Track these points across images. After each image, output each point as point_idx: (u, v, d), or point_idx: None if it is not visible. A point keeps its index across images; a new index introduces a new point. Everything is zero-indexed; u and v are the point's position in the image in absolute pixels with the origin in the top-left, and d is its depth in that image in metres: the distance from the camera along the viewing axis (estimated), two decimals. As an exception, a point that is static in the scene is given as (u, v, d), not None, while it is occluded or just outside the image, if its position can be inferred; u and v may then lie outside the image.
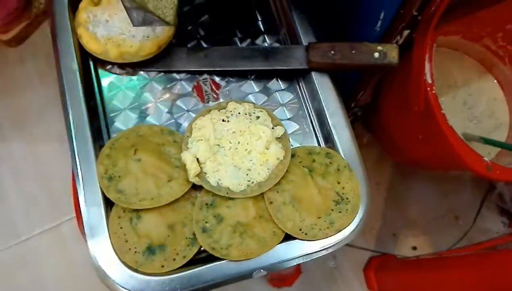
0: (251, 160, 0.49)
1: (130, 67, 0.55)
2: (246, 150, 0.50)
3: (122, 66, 0.55)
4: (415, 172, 1.07)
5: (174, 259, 0.47)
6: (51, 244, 0.97)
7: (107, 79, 0.55)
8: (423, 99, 0.62)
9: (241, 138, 0.50)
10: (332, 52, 0.52)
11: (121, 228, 0.47)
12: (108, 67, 0.55)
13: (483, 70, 0.88)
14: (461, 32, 0.84)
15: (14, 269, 0.94)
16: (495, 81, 0.86)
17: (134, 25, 0.49)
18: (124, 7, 0.46)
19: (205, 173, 0.49)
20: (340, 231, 0.48)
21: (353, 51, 0.52)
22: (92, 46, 0.53)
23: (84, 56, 0.54)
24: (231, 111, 0.52)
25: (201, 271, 0.46)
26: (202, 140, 0.50)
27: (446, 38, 0.85)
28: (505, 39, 0.80)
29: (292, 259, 0.47)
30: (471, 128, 0.84)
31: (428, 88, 0.62)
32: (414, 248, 1.02)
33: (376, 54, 0.52)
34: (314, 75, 0.54)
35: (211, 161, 0.49)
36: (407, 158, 0.89)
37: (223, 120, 0.51)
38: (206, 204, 0.49)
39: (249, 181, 0.49)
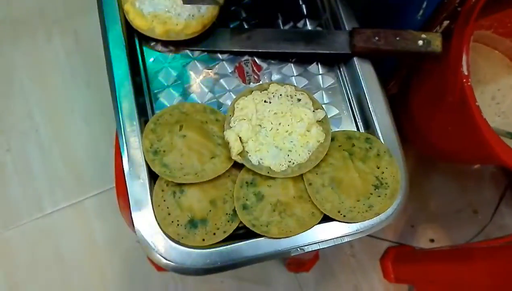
0: (291, 141, 0.50)
1: (174, 45, 0.56)
2: (287, 131, 0.50)
3: (166, 44, 0.56)
4: (435, 165, 1.07)
5: (214, 234, 0.48)
6: (74, 218, 0.99)
7: (151, 56, 0.56)
8: (459, 90, 0.63)
9: (282, 119, 0.51)
10: (377, 38, 0.53)
11: (164, 201, 0.48)
12: (153, 44, 0.56)
13: (512, 66, 0.87)
14: (493, 26, 0.84)
15: (37, 241, 0.97)
16: (525, 77, 0.86)
17: (184, 3, 0.50)
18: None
19: (247, 151, 0.50)
20: (378, 215, 0.48)
21: (397, 38, 0.52)
22: (138, 23, 0.54)
23: (130, 32, 0.54)
24: (273, 93, 0.53)
25: (241, 246, 0.47)
26: (244, 120, 0.50)
27: (478, 32, 0.85)
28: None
29: (330, 239, 0.48)
30: (498, 123, 0.84)
31: (464, 80, 0.62)
32: (432, 241, 1.03)
33: (420, 42, 0.52)
34: (356, 60, 0.54)
35: (253, 141, 0.50)
36: (434, 149, 0.89)
37: (264, 101, 0.52)
38: (247, 182, 0.50)
39: (289, 161, 0.50)
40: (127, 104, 0.50)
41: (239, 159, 0.49)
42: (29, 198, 0.99)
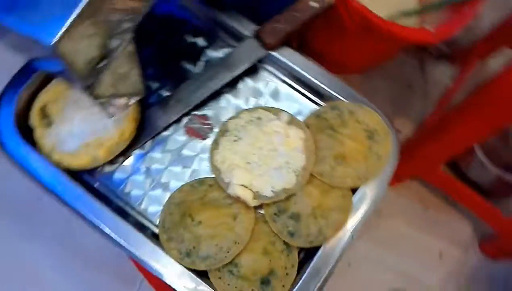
0: (282, 154, 0.51)
1: (121, 155, 0.53)
2: (271, 150, 0.52)
3: (112, 161, 0.53)
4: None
5: (287, 274, 0.49)
6: None
7: (108, 180, 0.53)
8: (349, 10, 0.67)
9: (260, 144, 0.52)
10: (279, 25, 0.55)
11: (228, 285, 0.48)
12: (98, 170, 0.53)
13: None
14: None
15: None
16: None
17: (110, 117, 0.47)
18: (99, 105, 0.45)
19: (257, 191, 0.50)
20: (389, 157, 0.52)
21: (295, 13, 0.55)
22: (76, 163, 0.51)
23: (74, 174, 0.51)
24: (234, 129, 0.53)
25: (315, 265, 0.48)
26: (234, 169, 0.51)
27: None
28: None
29: (370, 204, 0.51)
30: (390, 10, 0.91)
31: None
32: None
33: (314, 4, 0.55)
34: (274, 54, 0.56)
35: (254, 179, 0.50)
36: (350, 68, 0.95)
37: (234, 141, 0.52)
38: (275, 214, 0.51)
39: (294, 171, 0.51)
40: (127, 235, 0.48)
41: (256, 202, 0.50)
42: None
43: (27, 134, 0.51)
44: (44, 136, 0.51)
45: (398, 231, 1.13)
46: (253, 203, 0.49)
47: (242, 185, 0.50)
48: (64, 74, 0.40)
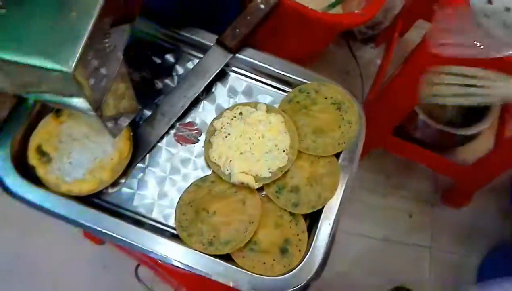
0: (269, 139, 0.58)
1: (123, 174, 0.57)
2: (259, 137, 0.58)
3: (116, 181, 0.57)
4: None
5: (300, 240, 0.55)
6: None
7: (117, 198, 0.56)
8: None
9: (248, 134, 0.58)
10: (237, 30, 0.61)
11: (252, 260, 0.53)
12: (106, 193, 0.56)
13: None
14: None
15: None
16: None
17: (115, 137, 0.51)
18: (105, 127, 0.48)
19: (256, 174, 0.56)
20: (358, 121, 0.60)
21: (248, 17, 0.62)
22: (86, 188, 0.54)
23: (85, 200, 0.54)
24: (221, 128, 0.59)
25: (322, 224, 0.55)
26: (231, 160, 0.56)
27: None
28: None
29: (354, 162, 0.59)
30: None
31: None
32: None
33: (262, 5, 0.62)
34: (238, 55, 0.63)
35: (251, 165, 0.56)
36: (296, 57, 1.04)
37: (225, 137, 0.58)
38: (277, 191, 0.56)
39: (283, 150, 0.57)
40: (153, 243, 0.51)
41: (259, 184, 0.55)
42: None
43: (28, 172, 0.54)
44: (48, 172, 0.54)
45: (367, 202, 1.23)
46: (256, 185, 0.55)
47: (243, 172, 0.55)
48: (70, 104, 0.44)
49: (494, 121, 1.11)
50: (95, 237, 1.05)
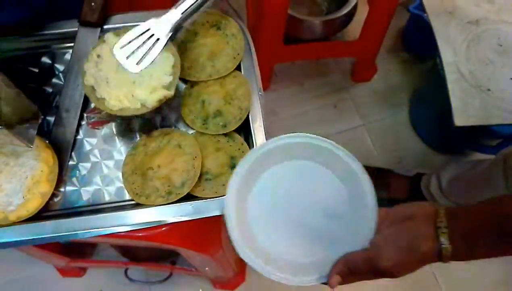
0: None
1: (60, 181, 0.57)
2: None
3: (56, 191, 0.57)
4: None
5: (243, 151, 0.59)
6: None
7: (67, 203, 0.57)
8: None
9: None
10: (93, 3, 0.62)
11: (212, 188, 0.56)
12: (54, 203, 0.57)
13: None
14: None
15: None
16: None
17: (31, 144, 0.51)
18: (17, 137, 0.48)
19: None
20: (242, 26, 0.64)
21: None
22: (32, 207, 0.53)
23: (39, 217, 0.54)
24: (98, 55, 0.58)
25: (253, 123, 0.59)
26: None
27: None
28: None
29: (255, 69, 0.63)
30: None
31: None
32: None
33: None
34: (107, 26, 0.63)
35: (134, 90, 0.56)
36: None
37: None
38: (204, 124, 0.60)
39: (165, 73, 0.56)
40: (125, 219, 0.53)
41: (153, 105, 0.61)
42: None
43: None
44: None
45: (294, 112, 1.31)
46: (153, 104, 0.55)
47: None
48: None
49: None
50: (72, 269, 1.03)
